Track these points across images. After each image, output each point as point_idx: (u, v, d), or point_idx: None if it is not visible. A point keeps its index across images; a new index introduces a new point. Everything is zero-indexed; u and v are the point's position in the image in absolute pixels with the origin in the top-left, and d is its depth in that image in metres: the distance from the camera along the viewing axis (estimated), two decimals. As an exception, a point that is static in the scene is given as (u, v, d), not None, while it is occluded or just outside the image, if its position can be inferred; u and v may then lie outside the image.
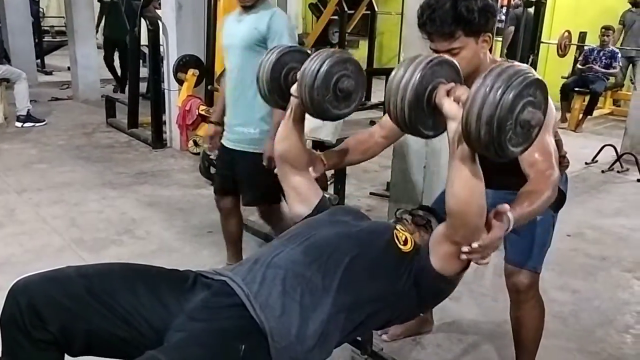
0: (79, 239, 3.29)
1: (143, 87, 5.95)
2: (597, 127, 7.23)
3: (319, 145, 3.23)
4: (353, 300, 1.37)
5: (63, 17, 8.80)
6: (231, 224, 2.78)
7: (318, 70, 1.47)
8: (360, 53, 9.32)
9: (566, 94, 7.11)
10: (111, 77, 7.88)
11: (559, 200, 1.73)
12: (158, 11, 5.28)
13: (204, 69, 4.81)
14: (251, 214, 3.64)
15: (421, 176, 3.04)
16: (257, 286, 1.32)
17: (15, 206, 3.74)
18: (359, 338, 2.16)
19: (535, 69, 5.03)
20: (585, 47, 7.37)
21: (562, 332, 2.53)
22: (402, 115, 1.27)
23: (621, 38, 7.69)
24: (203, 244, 3.21)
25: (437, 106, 1.27)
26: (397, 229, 1.56)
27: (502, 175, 1.53)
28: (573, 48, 7.70)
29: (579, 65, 7.14)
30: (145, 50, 5.70)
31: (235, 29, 2.50)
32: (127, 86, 7.18)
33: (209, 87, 4.74)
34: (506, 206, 1.38)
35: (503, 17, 5.98)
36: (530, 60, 5.67)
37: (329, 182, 3.52)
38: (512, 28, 5.70)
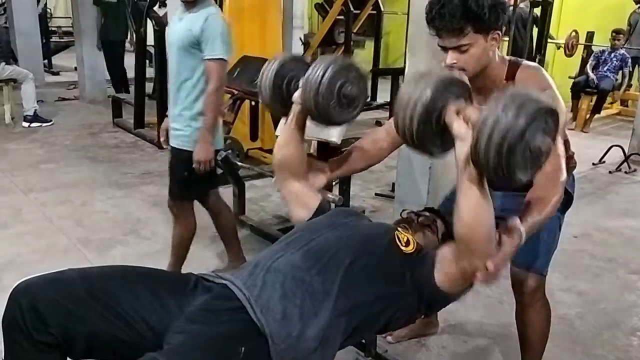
0: (85, 238, 3.30)
1: (149, 87, 5.97)
2: (604, 128, 7.18)
3: (323, 146, 3.21)
4: (354, 303, 1.37)
5: (70, 17, 8.82)
6: (176, 228, 2.68)
7: (322, 77, 1.48)
8: (366, 53, 9.30)
9: (577, 92, 7.04)
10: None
11: (566, 201, 1.72)
12: (163, 10, 5.27)
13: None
14: (251, 214, 3.64)
15: (426, 177, 3.03)
16: (257, 290, 1.32)
17: (22, 206, 3.76)
18: (363, 340, 2.15)
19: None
20: (595, 49, 7.31)
21: (568, 334, 2.52)
22: (410, 132, 1.27)
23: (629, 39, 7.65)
24: (207, 244, 3.21)
25: (447, 125, 1.26)
26: (398, 230, 1.55)
27: None
28: (580, 48, 7.66)
29: (588, 68, 7.05)
30: (151, 50, 5.71)
31: (176, 26, 2.48)
32: (120, 86, 7.24)
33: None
34: (517, 221, 1.36)
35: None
36: (537, 60, 5.63)
37: (334, 183, 3.50)
38: None
